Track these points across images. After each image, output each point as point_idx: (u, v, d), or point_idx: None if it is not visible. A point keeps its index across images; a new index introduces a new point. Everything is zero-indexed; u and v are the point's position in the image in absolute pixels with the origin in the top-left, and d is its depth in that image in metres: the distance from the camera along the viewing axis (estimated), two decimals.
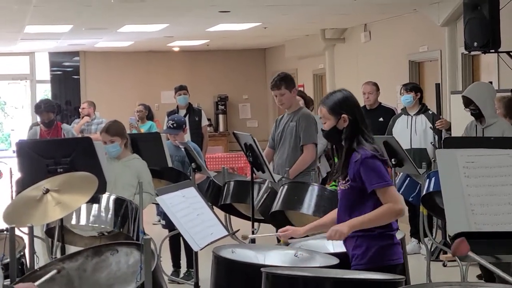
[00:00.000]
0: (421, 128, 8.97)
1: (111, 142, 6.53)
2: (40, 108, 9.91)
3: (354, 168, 4.17)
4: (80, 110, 12.31)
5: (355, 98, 4.40)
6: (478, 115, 7.37)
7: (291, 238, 4.63)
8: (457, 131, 8.36)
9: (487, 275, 6.67)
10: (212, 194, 7.47)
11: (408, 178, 7.80)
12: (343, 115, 4.25)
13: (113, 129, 6.58)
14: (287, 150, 7.11)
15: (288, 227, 4.63)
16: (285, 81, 7.09)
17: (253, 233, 6.34)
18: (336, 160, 4.48)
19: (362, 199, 4.20)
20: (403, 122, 9.09)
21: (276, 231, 4.96)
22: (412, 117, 9.05)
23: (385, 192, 4.15)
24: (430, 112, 9.03)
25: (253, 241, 4.98)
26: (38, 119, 10.18)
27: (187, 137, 9.30)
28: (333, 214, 4.51)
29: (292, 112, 7.16)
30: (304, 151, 7.01)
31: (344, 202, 4.27)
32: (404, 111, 9.18)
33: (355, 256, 4.22)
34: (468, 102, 7.40)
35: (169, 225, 7.65)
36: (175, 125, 8.15)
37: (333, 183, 5.82)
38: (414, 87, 9.19)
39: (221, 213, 6.96)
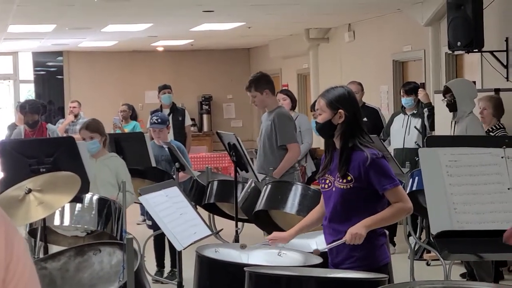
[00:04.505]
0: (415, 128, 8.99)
1: (90, 138, 6.52)
2: (25, 109, 9.88)
3: (361, 168, 4.05)
4: (71, 109, 12.33)
5: (356, 96, 4.35)
6: (452, 106, 7.56)
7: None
8: (441, 130, 8.38)
9: (472, 273, 6.71)
10: (196, 194, 7.47)
11: None
12: (340, 110, 4.14)
13: (93, 126, 6.60)
14: (263, 149, 7.12)
15: (274, 234, 4.57)
16: (255, 83, 7.07)
17: (236, 232, 6.36)
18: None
19: (363, 199, 4.10)
20: (400, 121, 9.17)
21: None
22: (408, 116, 9.09)
23: (395, 192, 4.09)
24: (415, 112, 9.05)
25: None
26: (16, 118, 10.12)
27: (170, 136, 9.28)
28: (315, 213, 4.47)
29: (269, 112, 7.16)
30: (289, 151, 6.99)
31: (342, 201, 4.12)
32: (403, 110, 9.23)
33: (349, 258, 4.11)
34: (446, 91, 7.63)
35: (154, 225, 7.61)
36: (159, 120, 8.18)
37: None
38: (413, 90, 9.14)
39: (204, 213, 6.96)
